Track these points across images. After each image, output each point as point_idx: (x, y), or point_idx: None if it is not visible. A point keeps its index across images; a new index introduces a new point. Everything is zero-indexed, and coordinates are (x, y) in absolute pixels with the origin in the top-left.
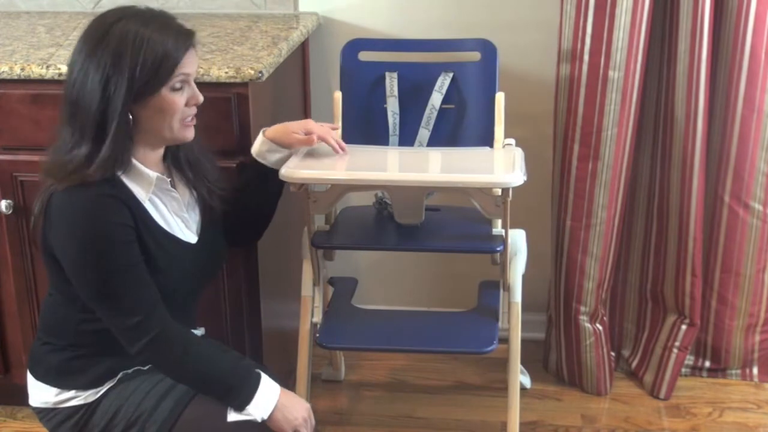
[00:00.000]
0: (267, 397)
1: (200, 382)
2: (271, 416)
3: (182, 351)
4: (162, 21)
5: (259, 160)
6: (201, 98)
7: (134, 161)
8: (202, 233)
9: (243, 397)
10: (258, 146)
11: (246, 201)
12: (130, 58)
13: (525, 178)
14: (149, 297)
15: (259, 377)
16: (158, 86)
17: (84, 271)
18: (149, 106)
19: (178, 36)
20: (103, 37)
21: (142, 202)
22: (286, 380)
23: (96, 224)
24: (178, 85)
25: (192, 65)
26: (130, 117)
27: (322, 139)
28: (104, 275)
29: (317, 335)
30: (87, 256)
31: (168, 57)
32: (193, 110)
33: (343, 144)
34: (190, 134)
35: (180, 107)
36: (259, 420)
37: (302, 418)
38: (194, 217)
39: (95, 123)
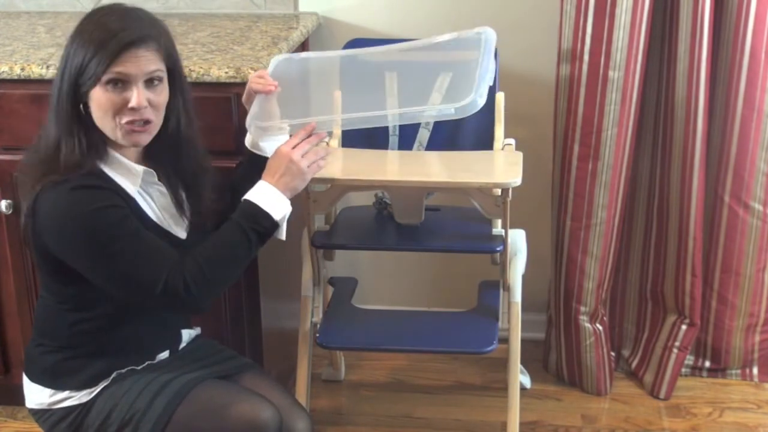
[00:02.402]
0: (274, 203)
1: (239, 264)
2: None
3: (202, 269)
4: (121, 15)
5: (254, 151)
6: (135, 104)
7: (116, 154)
8: (191, 231)
9: (268, 225)
10: (248, 138)
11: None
12: (74, 47)
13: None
14: (160, 258)
15: (249, 211)
16: (94, 80)
17: (94, 264)
18: (92, 99)
19: (125, 32)
20: (74, 30)
21: (132, 194)
22: (286, 380)
23: (89, 215)
24: (110, 83)
25: (133, 67)
26: (81, 107)
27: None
28: (114, 259)
29: (317, 335)
30: (91, 249)
31: (103, 51)
32: (133, 115)
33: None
34: (136, 140)
35: (109, 107)
36: (290, 209)
37: (297, 169)
38: (182, 215)
39: (62, 114)
